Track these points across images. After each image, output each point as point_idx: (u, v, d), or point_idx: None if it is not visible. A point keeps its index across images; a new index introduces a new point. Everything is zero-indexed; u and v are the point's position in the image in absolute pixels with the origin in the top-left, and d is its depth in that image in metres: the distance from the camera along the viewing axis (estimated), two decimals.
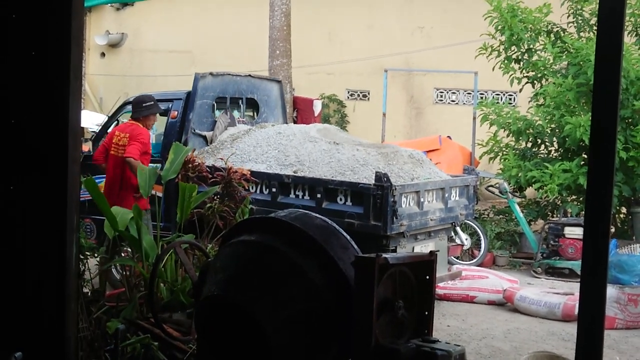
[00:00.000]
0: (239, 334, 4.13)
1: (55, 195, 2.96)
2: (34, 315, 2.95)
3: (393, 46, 16.61)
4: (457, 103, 16.81)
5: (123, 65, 20.31)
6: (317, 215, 4.61)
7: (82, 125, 14.01)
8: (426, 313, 4.32)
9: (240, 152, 8.52)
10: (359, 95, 17.75)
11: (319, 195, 7.72)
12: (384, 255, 4.03)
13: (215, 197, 6.89)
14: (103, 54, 20.81)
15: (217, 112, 9.28)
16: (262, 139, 8.66)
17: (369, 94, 17.43)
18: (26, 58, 2.84)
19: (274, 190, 7.96)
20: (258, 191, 8.01)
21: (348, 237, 4.38)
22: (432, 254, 4.41)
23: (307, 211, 4.73)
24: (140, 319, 5.91)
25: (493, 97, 15.76)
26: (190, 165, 7.03)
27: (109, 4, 19.29)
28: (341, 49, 17.34)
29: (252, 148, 8.55)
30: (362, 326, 3.95)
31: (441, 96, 17.14)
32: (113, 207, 6.41)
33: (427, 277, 4.33)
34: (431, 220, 8.03)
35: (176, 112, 8.71)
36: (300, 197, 7.87)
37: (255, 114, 10.00)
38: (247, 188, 7.07)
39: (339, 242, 4.34)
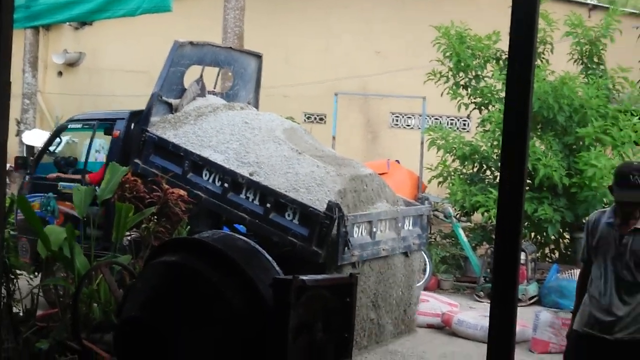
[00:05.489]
0: (156, 356, 4.12)
1: None
2: None
3: (350, 70, 16.75)
4: (412, 127, 16.96)
5: (81, 84, 20.24)
6: (239, 236, 4.64)
7: (33, 144, 13.96)
8: (346, 336, 4.36)
9: (202, 134, 8.37)
10: (315, 119, 17.84)
11: (268, 205, 7.61)
12: (302, 277, 4.06)
13: (152, 218, 6.88)
14: (60, 73, 20.72)
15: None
16: (226, 125, 8.49)
17: (325, 117, 17.52)
18: None
19: (226, 185, 7.87)
20: (210, 180, 7.96)
21: (270, 258, 4.39)
22: (352, 276, 4.45)
23: (229, 232, 4.77)
24: (70, 340, 5.87)
25: (448, 122, 15.97)
26: (127, 186, 7.02)
27: (68, 23, 19.26)
28: (298, 72, 17.43)
29: (215, 132, 8.39)
30: (278, 348, 3.97)
31: (397, 120, 17.30)
32: (47, 227, 6.39)
33: (348, 300, 4.37)
34: (383, 249, 7.92)
35: (119, 132, 8.68)
36: (250, 200, 7.77)
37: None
38: (183, 209, 7.06)
39: (260, 263, 4.34)
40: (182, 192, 7.17)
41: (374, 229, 7.79)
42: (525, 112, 3.30)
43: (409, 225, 8.45)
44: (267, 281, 4.16)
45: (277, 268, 4.34)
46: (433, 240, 12.14)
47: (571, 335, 4.92)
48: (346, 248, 7.29)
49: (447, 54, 11.73)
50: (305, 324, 4.08)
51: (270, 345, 3.98)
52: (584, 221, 10.87)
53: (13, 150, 17.44)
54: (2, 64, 3.09)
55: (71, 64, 20.50)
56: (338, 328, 4.27)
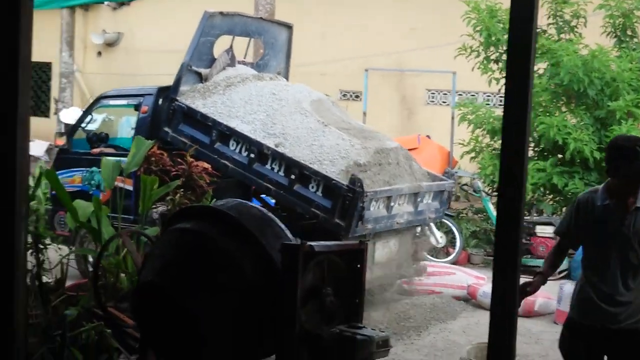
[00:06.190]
0: (171, 320, 4.23)
1: (3, 185, 3.08)
2: None
3: (385, 46, 16.70)
4: (448, 104, 16.89)
5: (119, 64, 20.48)
6: (253, 205, 4.75)
7: (67, 121, 14.21)
8: (357, 301, 4.44)
9: (230, 103, 8.44)
10: (351, 96, 17.87)
11: (293, 176, 7.71)
12: (310, 243, 4.15)
13: (178, 190, 7.02)
14: (100, 53, 21.01)
15: None
16: (255, 95, 8.57)
17: (361, 94, 17.53)
18: None
19: (252, 156, 7.97)
20: (237, 151, 8.07)
21: (283, 226, 4.46)
22: (362, 243, 4.52)
23: (244, 201, 4.87)
24: (97, 308, 6.05)
25: (484, 98, 15.87)
26: (153, 159, 7.17)
27: (106, 3, 19.50)
28: (334, 49, 17.43)
29: (243, 103, 8.45)
30: (287, 312, 4.06)
31: (433, 97, 17.25)
32: (75, 201, 6.57)
33: (358, 266, 4.44)
34: (397, 223, 7.97)
35: (147, 107, 8.83)
36: (275, 170, 7.87)
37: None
38: (208, 181, 7.19)
39: (272, 231, 4.41)
40: (206, 164, 7.29)
41: (392, 204, 7.82)
42: (525, 90, 3.29)
43: (429, 199, 8.46)
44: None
45: (290, 236, 4.42)
46: (464, 215, 12.15)
47: (566, 323, 4.76)
48: (360, 222, 7.36)
49: (477, 28, 11.67)
50: (315, 288, 4.16)
51: (280, 309, 4.08)
52: None
53: (52, 128, 17.80)
54: (24, 38, 3.20)
55: (110, 44, 20.77)
56: (348, 293, 4.34)
